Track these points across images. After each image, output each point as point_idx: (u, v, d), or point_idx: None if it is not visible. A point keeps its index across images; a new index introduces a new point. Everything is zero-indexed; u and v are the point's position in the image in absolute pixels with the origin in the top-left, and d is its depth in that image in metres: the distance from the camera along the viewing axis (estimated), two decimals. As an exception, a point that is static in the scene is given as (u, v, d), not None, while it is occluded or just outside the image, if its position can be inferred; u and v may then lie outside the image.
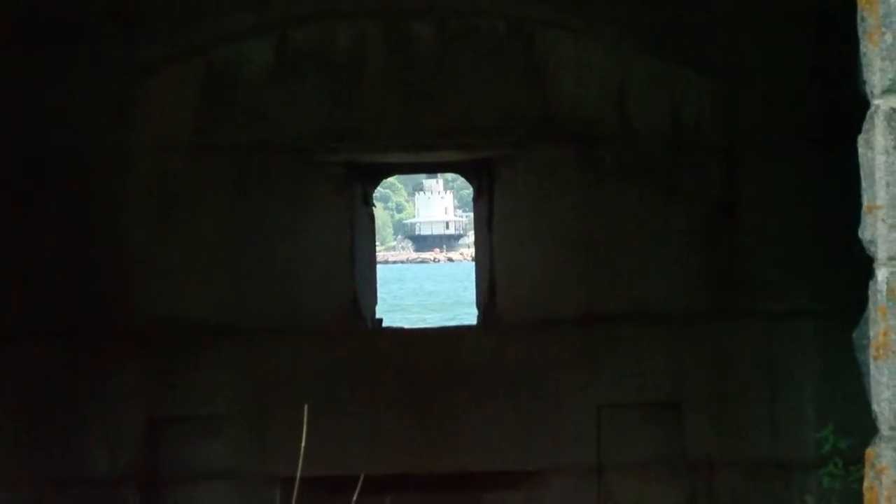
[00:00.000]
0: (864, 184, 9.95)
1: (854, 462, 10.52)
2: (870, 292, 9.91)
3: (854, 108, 10.09)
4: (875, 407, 9.90)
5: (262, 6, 14.18)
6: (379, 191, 15.60)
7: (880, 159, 9.85)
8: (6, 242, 13.88)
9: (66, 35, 13.99)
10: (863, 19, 9.99)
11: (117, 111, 14.20)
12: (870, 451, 9.88)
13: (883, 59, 9.84)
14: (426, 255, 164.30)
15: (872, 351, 9.91)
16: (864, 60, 9.99)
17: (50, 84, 14.00)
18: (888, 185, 9.84)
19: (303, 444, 10.13)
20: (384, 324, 15.78)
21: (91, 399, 14.00)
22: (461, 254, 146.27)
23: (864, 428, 10.08)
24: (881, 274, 9.85)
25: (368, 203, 15.28)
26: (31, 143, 14.02)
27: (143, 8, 14.05)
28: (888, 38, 9.82)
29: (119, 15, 14.00)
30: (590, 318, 14.17)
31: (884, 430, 9.82)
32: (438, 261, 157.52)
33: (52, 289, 14.02)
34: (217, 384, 14.19)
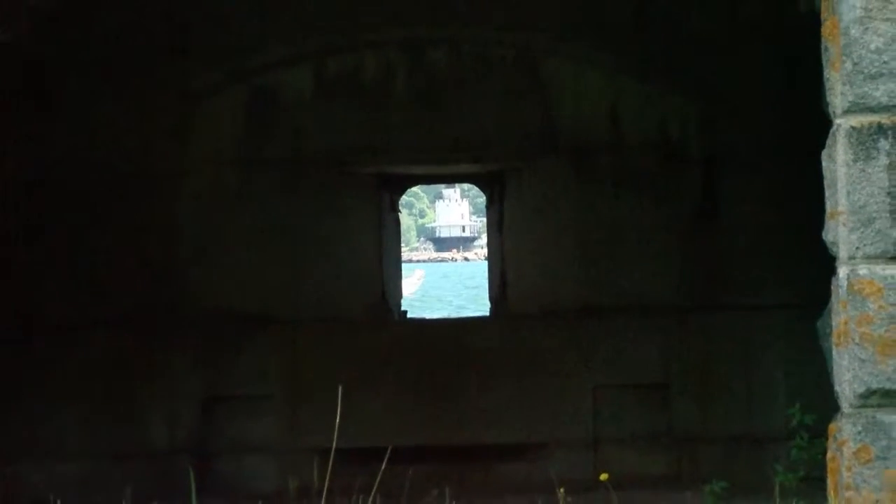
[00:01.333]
0: (827, 192, 10.01)
1: (818, 435, 10.55)
2: (832, 287, 9.98)
3: (819, 125, 10.16)
4: (837, 388, 9.96)
5: (302, 39, 14.19)
6: (404, 199, 15.57)
7: (842, 171, 9.91)
8: (82, 245, 13.97)
9: (135, 65, 14.02)
10: (826, 49, 10.05)
11: (176, 130, 14.21)
12: (832, 426, 9.95)
13: (843, 84, 9.90)
14: (445, 254, 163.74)
15: (834, 339, 9.97)
16: (827, 85, 10.05)
17: (123, 107, 14.04)
18: (849, 193, 9.89)
19: (337, 421, 10.19)
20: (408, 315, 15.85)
21: (153, 381, 14.02)
22: (475, 254, 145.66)
23: (828, 406, 10.14)
24: (842, 271, 9.90)
25: (395, 209, 15.27)
26: (105, 158, 14.08)
27: (198, 41, 14.08)
28: (848, 65, 9.88)
29: (177, 48, 14.05)
30: (587, 309, 14.17)
31: (845, 407, 9.88)
32: (455, 260, 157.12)
33: (121, 284, 14.04)
34: (262, 368, 14.19)
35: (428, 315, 17.85)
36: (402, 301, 15.90)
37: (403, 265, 16.31)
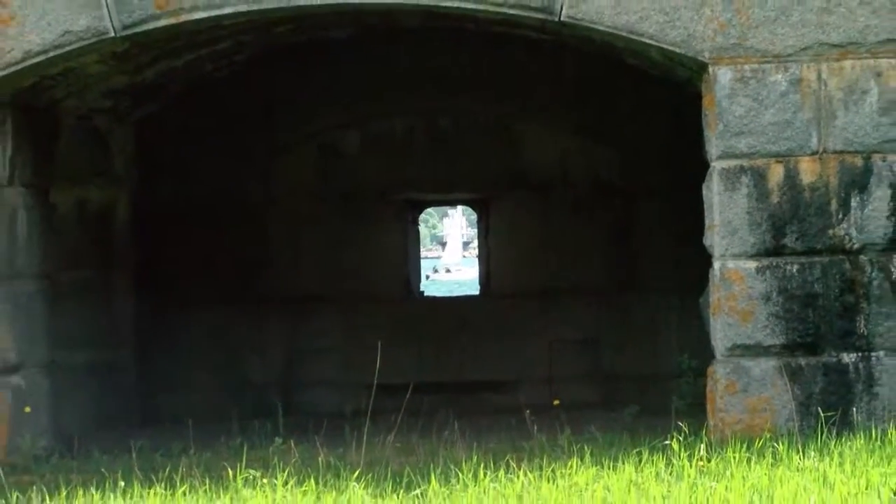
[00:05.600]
0: (706, 212, 10.07)
1: (700, 375, 10.58)
2: (710, 276, 10.05)
3: (701, 167, 10.19)
4: (713, 343, 10.03)
5: (351, 110, 14.16)
6: (421, 216, 15.55)
7: (716, 198, 9.97)
8: (201, 250, 13.99)
9: (235, 126, 14.05)
10: (705, 115, 10.10)
11: (264, 174, 14.15)
12: (710, 369, 10.01)
13: (717, 138, 9.94)
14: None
15: (711, 310, 10.04)
16: (706, 139, 10.09)
17: (228, 155, 14.04)
18: (721, 212, 9.95)
19: (377, 365, 10.24)
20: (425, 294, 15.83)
21: (252, 339, 13.99)
22: (470, 253, 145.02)
23: (707, 355, 10.19)
24: (716, 265, 9.97)
25: (415, 223, 15.18)
26: (219, 191, 14.11)
27: (279, 114, 14.10)
28: (720, 126, 9.92)
29: (265, 114, 14.07)
30: (545, 291, 14.07)
31: (718, 356, 9.94)
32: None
33: (228, 276, 13.98)
34: (324, 331, 14.13)
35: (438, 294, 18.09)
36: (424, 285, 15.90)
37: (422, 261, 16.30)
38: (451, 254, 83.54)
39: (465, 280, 40.71)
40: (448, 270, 64.82)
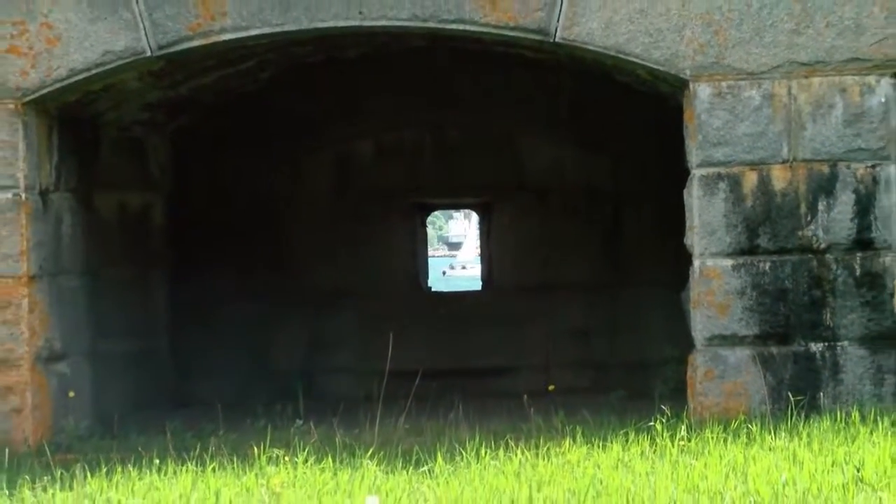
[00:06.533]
0: (687, 214, 10.06)
1: (681, 363, 10.55)
2: (690, 273, 10.04)
3: (682, 174, 10.19)
4: (693, 333, 10.02)
5: (366, 123, 14.14)
6: (429, 219, 15.55)
7: (696, 202, 9.96)
8: (231, 247, 13.98)
9: (261, 136, 14.07)
10: (686, 128, 10.09)
11: (290, 177, 14.13)
12: (690, 357, 10.00)
13: (697, 149, 9.94)
14: (454, 252, 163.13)
15: (692, 304, 10.02)
16: (687, 149, 10.08)
17: (255, 163, 14.04)
18: (700, 215, 9.94)
19: (389, 353, 10.25)
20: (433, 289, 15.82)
21: (276, 332, 13.97)
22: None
23: (688, 344, 10.19)
24: (696, 263, 9.96)
25: (424, 225, 15.16)
26: (247, 195, 14.11)
27: (301, 121, 14.11)
28: (700, 137, 9.92)
29: (287, 125, 14.08)
30: (542, 286, 14.04)
31: (698, 345, 9.93)
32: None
33: (255, 272, 13.96)
34: (341, 322, 14.09)
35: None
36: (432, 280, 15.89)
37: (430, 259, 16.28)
38: (466, 252, 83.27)
39: (479, 276, 40.65)
40: (464, 267, 64.81)
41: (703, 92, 9.83)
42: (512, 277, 14.29)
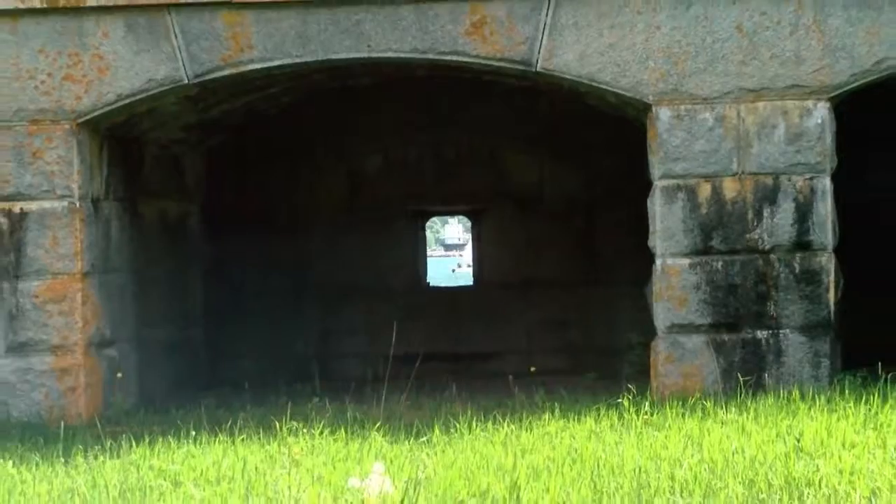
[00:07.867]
0: (650, 220, 10.06)
1: (646, 348, 10.57)
2: (653, 270, 10.04)
3: (646, 185, 10.19)
4: (655, 323, 10.02)
5: (376, 141, 14.15)
6: (427, 223, 15.52)
7: (658, 209, 9.96)
8: (256, 249, 13.96)
9: (283, 153, 14.06)
10: (650, 145, 10.09)
11: (309, 188, 14.13)
12: (653, 343, 10.00)
13: (659, 163, 9.95)
14: (450, 253, 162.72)
15: (655, 297, 10.02)
16: (650, 163, 10.08)
17: (278, 176, 14.02)
18: (661, 220, 9.94)
19: (393, 340, 10.25)
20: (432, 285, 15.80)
21: (295, 322, 13.92)
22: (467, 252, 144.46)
23: (651, 332, 10.20)
24: (658, 262, 9.97)
25: (423, 229, 15.16)
26: (271, 204, 14.03)
27: (319, 139, 14.10)
28: (661, 154, 9.93)
29: (306, 143, 14.07)
30: (525, 282, 14.06)
31: (659, 333, 9.93)
32: (453, 256, 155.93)
33: (279, 270, 13.97)
34: (352, 314, 14.08)
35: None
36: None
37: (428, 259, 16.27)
38: (468, 253, 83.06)
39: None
40: (469, 266, 64.84)
41: (663, 114, 9.86)
42: (499, 275, 14.28)
